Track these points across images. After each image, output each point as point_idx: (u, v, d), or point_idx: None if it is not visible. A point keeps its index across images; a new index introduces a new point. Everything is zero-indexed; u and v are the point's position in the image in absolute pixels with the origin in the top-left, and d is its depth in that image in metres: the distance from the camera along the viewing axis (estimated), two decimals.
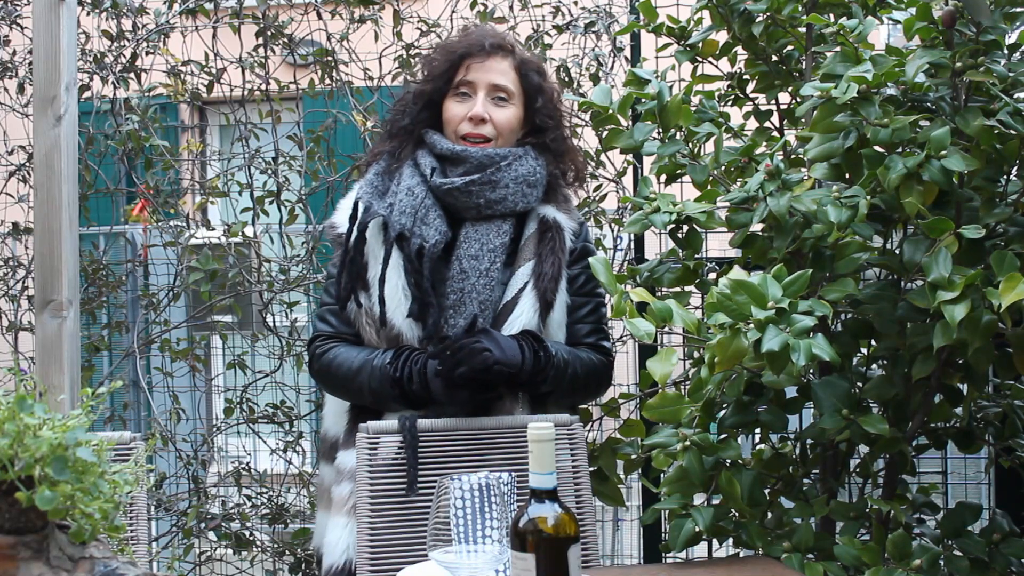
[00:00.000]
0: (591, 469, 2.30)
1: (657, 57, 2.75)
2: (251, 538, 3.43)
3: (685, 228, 2.17)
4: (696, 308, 2.80)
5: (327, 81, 3.37)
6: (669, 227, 2.14)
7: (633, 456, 2.38)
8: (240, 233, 3.30)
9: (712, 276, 2.36)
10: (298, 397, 3.52)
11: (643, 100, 2.21)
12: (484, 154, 2.12)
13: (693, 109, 2.26)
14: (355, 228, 2.12)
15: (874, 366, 2.28)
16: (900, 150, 1.97)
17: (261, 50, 3.34)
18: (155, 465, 3.46)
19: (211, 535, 3.45)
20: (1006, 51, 2.04)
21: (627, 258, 3.24)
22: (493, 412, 2.08)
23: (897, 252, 2.08)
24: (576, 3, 3.38)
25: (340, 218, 2.19)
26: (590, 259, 2.03)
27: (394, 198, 2.12)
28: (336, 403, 2.20)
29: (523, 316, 2.07)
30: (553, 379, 2.07)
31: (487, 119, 2.15)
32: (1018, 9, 1.99)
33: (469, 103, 2.16)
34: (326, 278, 2.23)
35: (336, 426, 2.18)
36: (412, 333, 2.06)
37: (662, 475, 2.10)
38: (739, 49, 2.47)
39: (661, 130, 2.21)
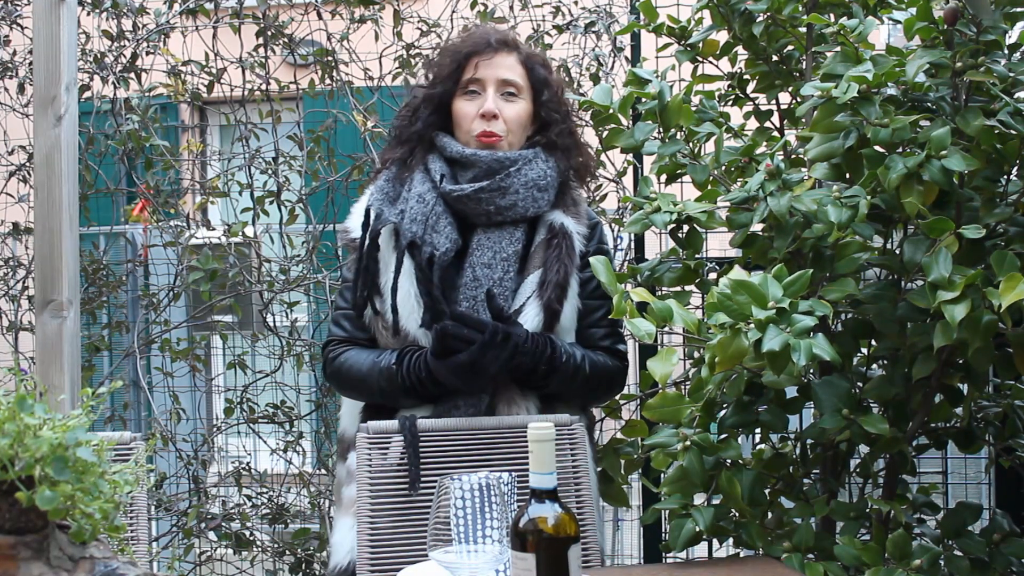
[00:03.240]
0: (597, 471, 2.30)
1: (657, 57, 2.75)
2: (251, 538, 3.43)
3: (685, 228, 2.17)
4: (696, 308, 2.80)
5: (327, 81, 3.37)
6: (669, 227, 2.14)
7: (634, 456, 2.38)
8: (240, 233, 3.31)
9: (712, 276, 2.35)
10: (298, 397, 3.52)
11: (643, 100, 2.20)
12: (494, 158, 2.11)
13: (693, 109, 2.26)
14: (367, 236, 2.12)
15: (874, 366, 2.27)
16: (900, 150, 1.97)
17: (261, 50, 3.34)
18: (155, 465, 3.46)
19: (211, 535, 3.45)
20: (1006, 51, 2.03)
21: (627, 258, 3.24)
22: (502, 413, 2.08)
23: (897, 252, 2.08)
24: (576, 3, 3.38)
25: (353, 223, 2.19)
26: (590, 259, 2.03)
27: (405, 204, 2.12)
28: (351, 403, 2.21)
29: (528, 327, 2.06)
30: (562, 378, 2.06)
31: (498, 115, 2.14)
32: (1018, 9, 1.99)
33: (479, 100, 2.15)
34: (341, 282, 2.24)
35: (352, 427, 2.19)
36: (427, 340, 2.06)
37: (662, 475, 2.10)
38: (739, 49, 2.47)
39: (661, 130, 2.21)
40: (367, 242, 2.12)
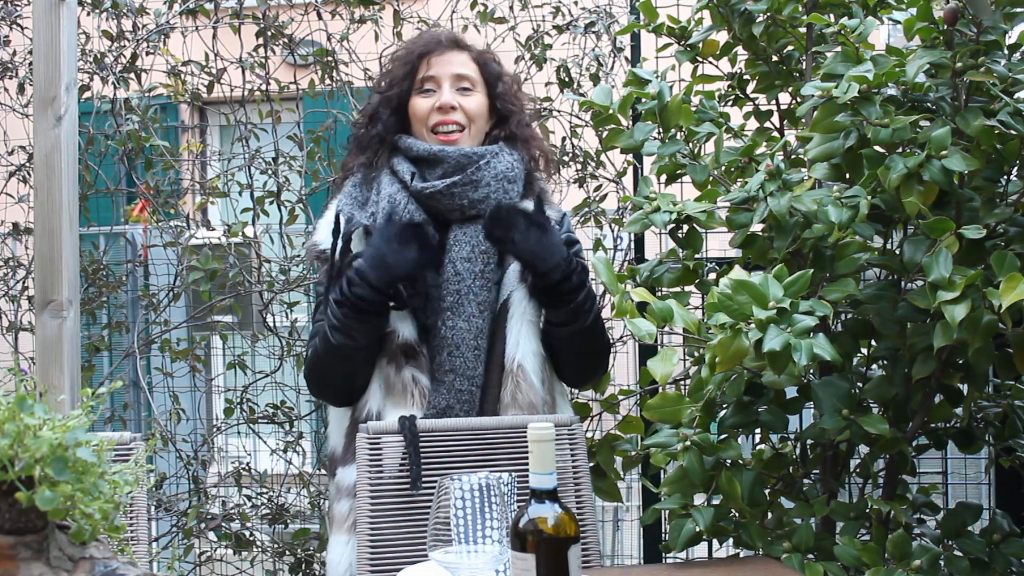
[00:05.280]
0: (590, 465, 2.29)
1: (657, 57, 2.75)
2: (251, 538, 3.43)
3: (685, 228, 2.17)
4: (696, 308, 2.80)
5: (327, 81, 3.37)
6: (669, 227, 2.14)
7: (632, 453, 2.38)
8: (240, 233, 3.30)
9: (712, 276, 2.36)
10: (298, 397, 3.52)
11: (643, 100, 2.21)
12: (461, 154, 2.12)
13: (693, 109, 2.26)
14: (339, 241, 2.11)
15: (874, 366, 2.28)
16: (900, 150, 1.97)
17: (261, 50, 3.34)
18: (155, 465, 3.46)
19: (211, 535, 3.45)
20: (1006, 51, 2.04)
21: (627, 258, 3.24)
22: (507, 395, 2.07)
23: (897, 252, 2.08)
24: (576, 3, 3.38)
25: (321, 235, 2.17)
26: (591, 259, 2.03)
27: (375, 207, 2.12)
28: (337, 420, 2.18)
29: (517, 312, 2.08)
30: (585, 298, 2.07)
31: (456, 106, 2.15)
32: (1018, 9, 1.99)
33: (435, 96, 2.17)
34: (315, 297, 2.21)
35: (339, 445, 2.17)
36: (408, 333, 2.06)
37: (662, 474, 2.10)
38: (739, 49, 2.47)
39: (661, 130, 2.21)
40: (340, 246, 2.10)
